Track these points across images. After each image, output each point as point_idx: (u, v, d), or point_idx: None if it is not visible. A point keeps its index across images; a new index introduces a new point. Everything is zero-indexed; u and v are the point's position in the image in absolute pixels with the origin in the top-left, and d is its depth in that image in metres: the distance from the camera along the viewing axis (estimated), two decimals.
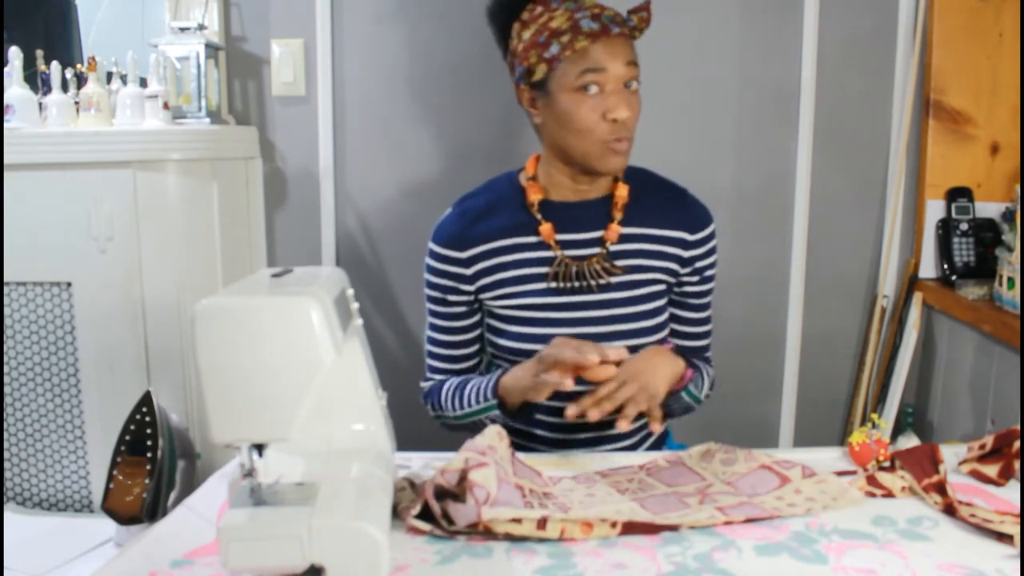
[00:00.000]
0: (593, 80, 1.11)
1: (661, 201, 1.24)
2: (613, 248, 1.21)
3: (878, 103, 1.96)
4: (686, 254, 1.24)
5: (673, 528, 0.86)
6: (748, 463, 0.99)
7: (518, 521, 0.83)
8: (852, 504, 0.92)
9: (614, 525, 0.84)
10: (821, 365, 2.05)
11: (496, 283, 1.22)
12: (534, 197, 1.22)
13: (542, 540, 0.84)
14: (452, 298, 1.25)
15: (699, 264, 1.25)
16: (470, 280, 1.23)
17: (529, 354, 1.17)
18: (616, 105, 1.11)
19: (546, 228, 1.20)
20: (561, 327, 1.19)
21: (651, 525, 0.85)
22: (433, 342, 1.30)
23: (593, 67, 1.10)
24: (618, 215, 1.21)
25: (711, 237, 1.26)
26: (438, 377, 1.30)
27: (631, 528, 0.85)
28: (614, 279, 1.20)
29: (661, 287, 1.24)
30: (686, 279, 1.26)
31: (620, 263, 1.21)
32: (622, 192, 1.21)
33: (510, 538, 0.83)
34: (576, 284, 1.20)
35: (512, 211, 1.23)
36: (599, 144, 1.13)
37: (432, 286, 1.26)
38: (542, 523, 0.83)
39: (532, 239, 1.21)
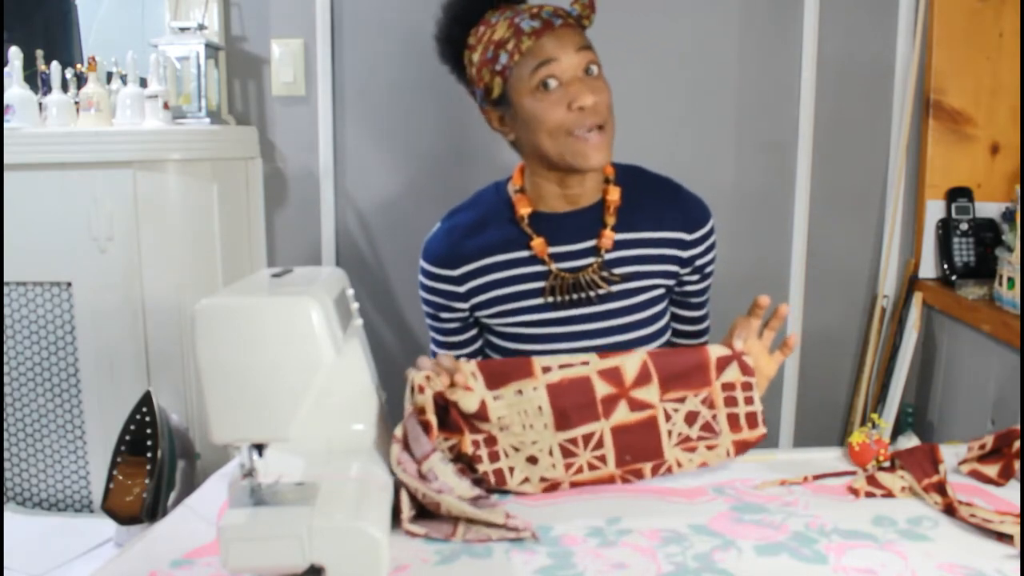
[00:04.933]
0: (548, 74, 1.07)
1: (655, 201, 1.20)
2: (609, 256, 1.17)
3: (878, 103, 1.96)
4: (685, 254, 1.20)
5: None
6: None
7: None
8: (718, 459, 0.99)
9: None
10: (821, 365, 2.05)
11: (491, 300, 1.19)
12: (523, 211, 1.17)
13: (520, 495, 0.93)
14: (444, 315, 1.23)
15: (699, 262, 1.22)
16: (463, 297, 1.20)
17: None
18: (579, 92, 1.07)
19: (538, 243, 1.16)
20: (561, 342, 1.17)
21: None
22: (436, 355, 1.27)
23: (544, 60, 1.07)
24: (611, 220, 1.17)
25: (710, 234, 1.22)
26: None
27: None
28: (613, 288, 1.17)
29: (661, 291, 1.21)
30: (687, 278, 1.23)
31: (617, 271, 1.17)
32: (614, 196, 1.17)
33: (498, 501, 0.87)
34: (573, 297, 1.16)
35: (501, 226, 1.19)
36: (572, 139, 1.08)
37: (426, 302, 1.24)
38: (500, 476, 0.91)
39: (524, 254, 1.17)
